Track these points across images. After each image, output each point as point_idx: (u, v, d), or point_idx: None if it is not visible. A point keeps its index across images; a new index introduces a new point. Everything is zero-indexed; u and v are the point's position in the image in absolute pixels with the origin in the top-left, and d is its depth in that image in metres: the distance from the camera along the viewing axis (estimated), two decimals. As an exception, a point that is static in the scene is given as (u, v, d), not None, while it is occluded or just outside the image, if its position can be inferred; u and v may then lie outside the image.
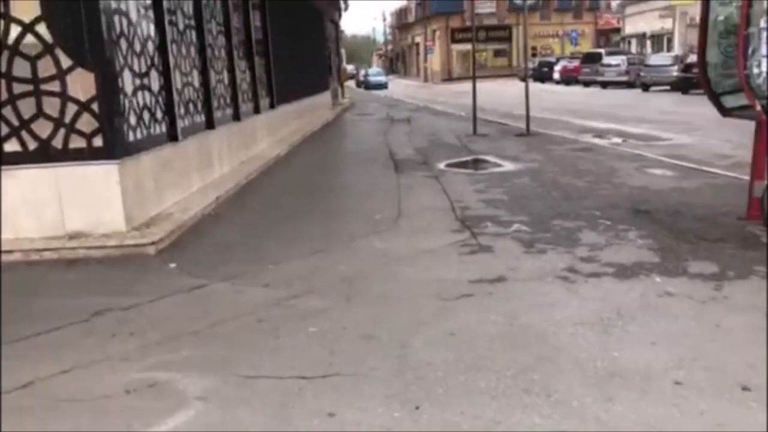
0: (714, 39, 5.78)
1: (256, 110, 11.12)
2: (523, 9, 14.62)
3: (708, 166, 9.21)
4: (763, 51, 5.16)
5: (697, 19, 29.06)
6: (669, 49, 45.67)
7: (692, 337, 3.62)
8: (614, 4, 61.90)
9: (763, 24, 5.12)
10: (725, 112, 5.90)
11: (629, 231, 5.74)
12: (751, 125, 5.82)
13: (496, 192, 7.78)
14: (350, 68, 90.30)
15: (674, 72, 27.98)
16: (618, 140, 13.14)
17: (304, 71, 17.47)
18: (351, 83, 65.26)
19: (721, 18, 5.81)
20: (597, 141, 12.80)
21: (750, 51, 5.15)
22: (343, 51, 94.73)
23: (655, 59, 30.93)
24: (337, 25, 29.28)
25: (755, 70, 5.18)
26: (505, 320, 3.90)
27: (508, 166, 9.86)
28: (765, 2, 5.07)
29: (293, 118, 15.00)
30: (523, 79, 14.69)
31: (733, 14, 5.60)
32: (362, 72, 65.37)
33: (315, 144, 13.59)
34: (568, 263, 4.89)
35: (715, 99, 5.90)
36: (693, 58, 27.00)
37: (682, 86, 26.16)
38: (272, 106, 12.44)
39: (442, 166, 10.19)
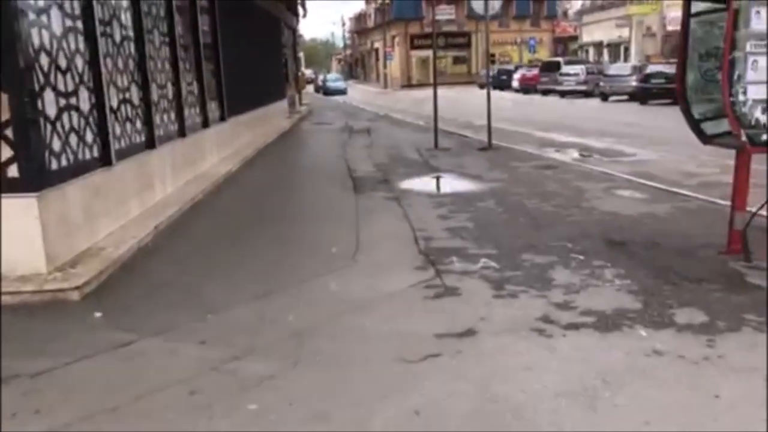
0: (694, 62, 5.39)
1: (205, 124, 10.45)
2: (485, 17, 14.22)
3: (677, 187, 8.91)
4: (749, 76, 4.77)
5: (654, 28, 29.27)
6: (626, 58, 46.21)
7: (690, 412, 3.16)
8: (571, 13, 62.62)
9: (749, 48, 4.73)
10: (706, 139, 5.52)
11: (605, 268, 5.30)
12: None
13: (461, 218, 7.29)
14: (309, 73, 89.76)
15: (633, 82, 28.10)
16: (582, 155, 12.84)
17: (259, 79, 16.82)
18: (310, 88, 64.62)
19: (699, 36, 5.43)
20: (561, 157, 12.48)
21: (735, 76, 4.76)
22: (301, 55, 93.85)
23: (614, 69, 31.07)
24: (294, 31, 28.63)
25: (741, 97, 4.79)
26: (477, 390, 3.38)
27: (472, 186, 9.41)
28: (753, 25, 4.69)
29: (247, 129, 14.35)
30: (483, 87, 14.29)
31: (716, 35, 5.22)
32: (321, 77, 64.56)
33: (269, 158, 12.96)
34: (543, 311, 4.41)
35: (695, 126, 5.51)
36: (651, 68, 27.19)
37: (641, 96, 26.25)
38: (223, 118, 11.78)
39: (403, 185, 9.69)
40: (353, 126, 20.79)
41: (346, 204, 8.21)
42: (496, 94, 41.62)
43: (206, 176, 9.61)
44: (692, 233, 6.35)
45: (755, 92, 4.82)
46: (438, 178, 10.30)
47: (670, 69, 25.91)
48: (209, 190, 8.95)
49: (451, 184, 9.90)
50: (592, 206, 7.78)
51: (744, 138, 4.85)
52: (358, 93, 53.54)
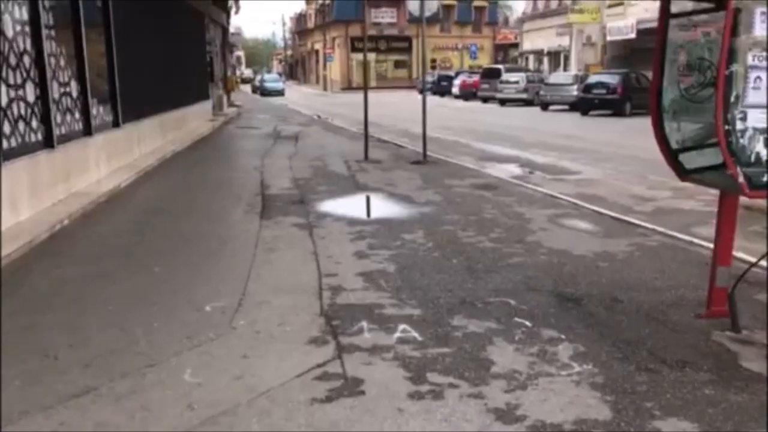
0: (673, 76, 4.20)
1: (87, 131, 8.80)
2: (421, 20, 12.99)
3: (630, 214, 7.86)
4: (750, 98, 3.60)
5: (594, 37, 28.56)
6: (566, 66, 46.05)
7: None
8: (512, 20, 62.52)
9: (751, 60, 3.55)
10: (684, 175, 4.33)
11: (559, 343, 4.05)
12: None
13: (382, 256, 5.96)
14: (247, 72, 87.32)
15: (574, 92, 27.52)
16: (524, 172, 11.74)
17: (173, 78, 15.15)
18: (247, 88, 62.44)
19: (680, 43, 4.24)
20: (501, 174, 11.32)
21: (733, 97, 3.58)
22: (241, 54, 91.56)
23: (555, 78, 30.52)
24: (224, 28, 26.88)
25: (739, 125, 3.60)
26: None
27: (401, 210, 8.11)
28: (757, 31, 3.51)
29: (153, 135, 12.70)
30: (422, 91, 13.10)
31: (701, 44, 4.04)
32: (258, 77, 62.55)
33: (174, 170, 11.35)
34: (478, 425, 3.11)
35: (671, 157, 4.32)
36: (593, 78, 26.58)
37: (582, 107, 25.60)
38: (117, 123, 10.14)
39: (322, 207, 8.32)
40: (282, 131, 19.28)
41: (245, 235, 6.77)
42: (435, 100, 40.84)
43: (84, 195, 8.00)
44: (659, 285, 5.18)
45: (757, 119, 3.65)
46: (363, 199, 8.97)
47: (611, 79, 25.41)
48: (81, 213, 7.36)
49: (377, 206, 8.59)
50: (538, 241, 6.58)
51: (741, 179, 3.65)
52: (297, 95, 51.89)
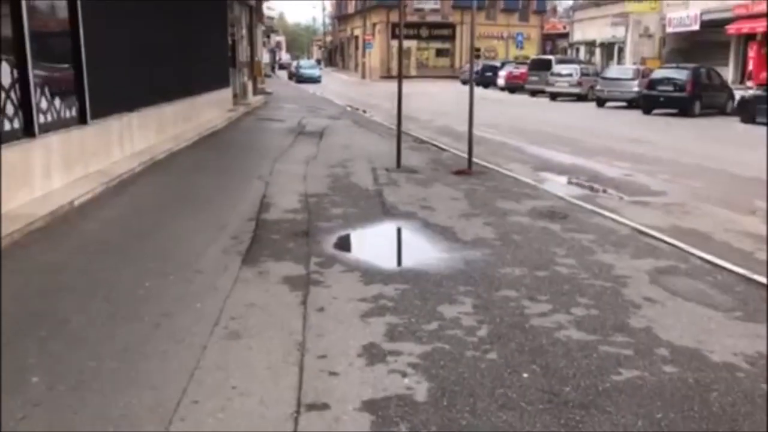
0: None
1: (28, 131, 6.68)
2: (468, 6, 10.67)
3: (761, 266, 5.50)
4: None
5: (652, 28, 25.46)
6: (620, 59, 43.00)
7: None
8: (561, 9, 59.21)
9: None
10: None
11: None
12: None
13: (407, 359, 3.72)
14: (286, 58, 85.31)
15: (635, 87, 24.80)
16: (593, 190, 9.37)
17: (179, 62, 13.07)
18: (285, 74, 60.34)
19: None
20: (566, 193, 8.97)
21: None
22: (279, 40, 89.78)
23: (613, 71, 27.69)
24: (252, 9, 24.75)
25: None
26: None
27: (439, 254, 5.85)
28: None
29: (146, 131, 10.64)
30: (466, 83, 10.82)
31: None
32: (294, 63, 60.52)
33: (158, 177, 9.18)
34: None
35: None
36: (658, 73, 23.75)
37: (645, 105, 22.86)
38: (83, 119, 8.04)
39: (330, 244, 6.11)
40: (306, 125, 17.10)
41: (206, 301, 4.57)
42: (479, 92, 38.00)
43: (9, 220, 5.89)
44: None
45: None
46: (388, 233, 6.74)
47: (680, 75, 22.56)
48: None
49: (408, 246, 6.36)
50: (650, 328, 4.26)
51: None
52: (334, 82, 49.70)
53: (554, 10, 62.91)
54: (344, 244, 6.21)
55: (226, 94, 18.52)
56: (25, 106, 6.54)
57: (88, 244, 5.92)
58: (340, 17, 77.89)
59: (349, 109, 24.00)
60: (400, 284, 4.97)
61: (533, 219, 7.25)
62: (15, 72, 6.38)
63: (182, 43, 13.24)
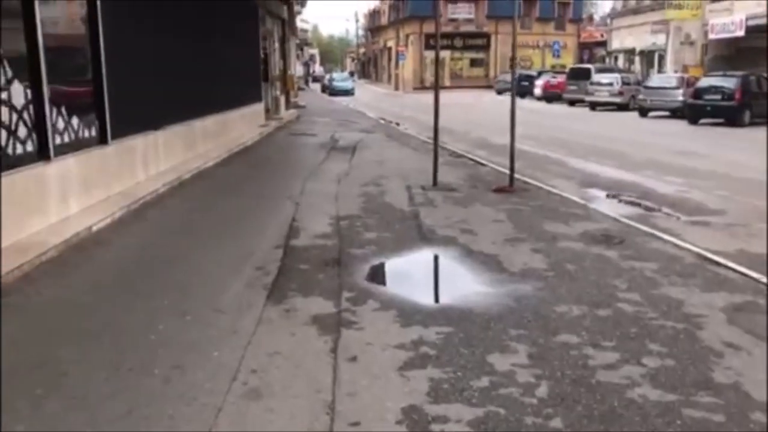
0: None
1: (43, 153, 6.28)
2: (513, 12, 10.09)
3: None
4: None
5: (693, 35, 24.48)
6: (660, 67, 41.82)
7: None
8: (598, 17, 58.07)
9: None
10: None
11: None
12: None
13: (455, 426, 3.15)
14: (319, 70, 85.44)
15: (679, 97, 23.85)
16: (647, 209, 8.67)
17: (209, 78, 12.72)
18: (318, 87, 60.24)
19: None
20: (618, 212, 8.29)
21: None
22: (313, 53, 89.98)
23: (656, 80, 26.73)
24: (284, 22, 24.48)
25: None
26: None
27: (485, 288, 5.26)
28: None
29: (173, 148, 10.26)
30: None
31: None
32: (327, 76, 60.44)
33: (184, 199, 8.70)
34: None
35: None
36: (704, 82, 22.77)
37: (691, 115, 21.91)
38: (104, 139, 7.64)
39: (364, 275, 5.57)
40: (339, 140, 16.64)
41: (223, 350, 4.04)
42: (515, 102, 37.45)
43: (19, 252, 5.47)
44: None
45: None
46: (426, 263, 6.17)
47: (728, 83, 21.57)
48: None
49: (448, 278, 5.79)
50: (737, 386, 3.63)
51: None
52: (367, 94, 49.40)
53: (590, 18, 61.80)
54: (378, 275, 5.66)
55: (257, 108, 18.18)
56: (39, 126, 6.15)
57: (101, 277, 5.46)
58: (373, 29, 77.80)
59: (382, 122, 23.52)
60: (442, 326, 4.39)
61: (586, 244, 6.61)
62: (28, 90, 5.98)
63: (213, 57, 12.91)
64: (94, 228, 6.46)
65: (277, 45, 22.96)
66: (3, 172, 5.45)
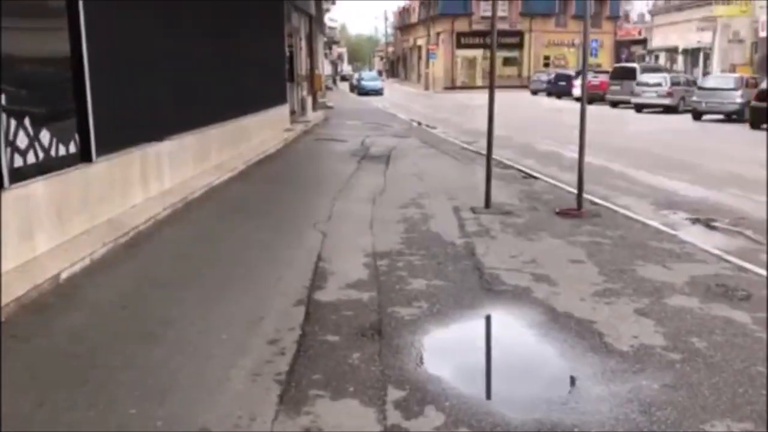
0: None
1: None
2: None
3: None
4: None
5: (742, 33, 22.21)
6: (706, 66, 39.66)
7: None
8: (635, 14, 55.67)
9: None
10: None
11: None
12: None
13: None
14: (347, 69, 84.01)
15: (738, 99, 21.97)
16: (755, 241, 7.00)
17: (227, 79, 11.28)
18: (346, 86, 58.74)
19: None
20: (721, 246, 6.65)
21: None
22: (341, 51, 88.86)
23: (712, 81, 24.77)
24: (311, 18, 23.02)
25: None
26: None
27: (591, 389, 3.67)
28: None
29: (181, 161, 8.81)
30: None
31: None
32: (356, 75, 58.98)
33: (185, 229, 7.14)
34: None
35: None
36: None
37: (755, 118, 19.99)
38: (87, 156, 6.15)
39: (412, 358, 4.02)
40: (371, 146, 15.11)
41: None
42: (553, 103, 35.70)
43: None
44: None
45: None
46: (499, 338, 4.59)
47: (795, 84, 19.70)
48: None
49: (536, 365, 4.19)
50: None
51: None
52: (396, 94, 47.80)
53: (626, 16, 59.45)
54: (436, 356, 4.10)
55: (282, 111, 16.71)
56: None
57: (53, 361, 3.95)
58: (403, 27, 76.21)
59: (415, 125, 21.96)
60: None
61: (703, 301, 4.99)
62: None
63: (231, 55, 11.46)
64: (63, 275, 5.00)
65: (303, 43, 21.50)
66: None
